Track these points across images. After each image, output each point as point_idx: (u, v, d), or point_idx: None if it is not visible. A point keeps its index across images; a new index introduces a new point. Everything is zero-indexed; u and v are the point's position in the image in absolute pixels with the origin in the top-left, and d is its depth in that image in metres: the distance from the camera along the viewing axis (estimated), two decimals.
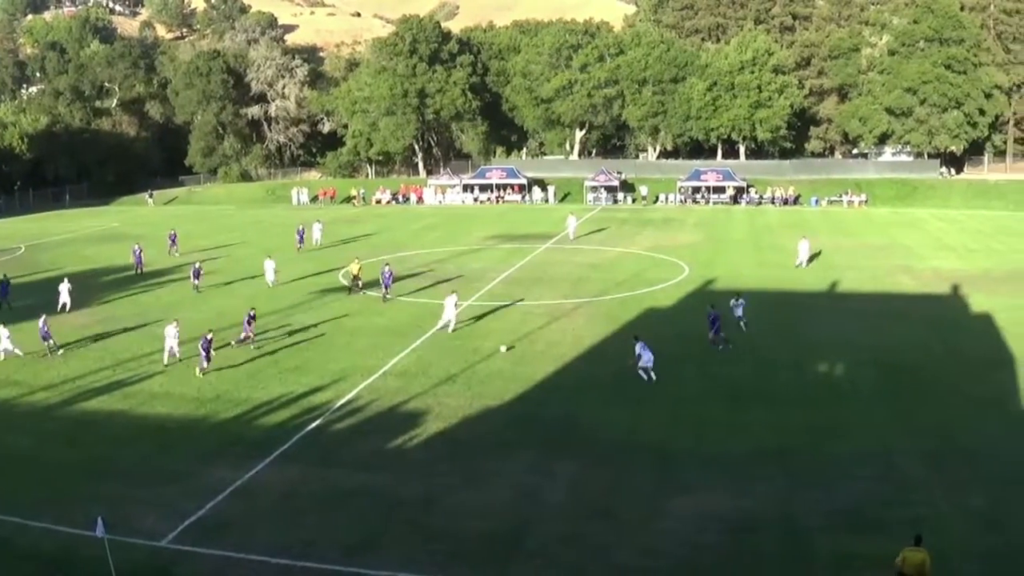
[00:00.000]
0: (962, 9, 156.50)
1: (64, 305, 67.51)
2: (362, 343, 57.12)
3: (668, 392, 47.08)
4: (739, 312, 58.31)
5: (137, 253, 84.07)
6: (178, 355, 52.35)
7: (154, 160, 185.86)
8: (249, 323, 56.48)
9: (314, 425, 42.68)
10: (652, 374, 48.67)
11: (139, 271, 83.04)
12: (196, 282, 75.22)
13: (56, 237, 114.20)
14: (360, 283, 72.94)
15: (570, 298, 70.33)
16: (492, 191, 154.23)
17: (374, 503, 34.37)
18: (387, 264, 73.97)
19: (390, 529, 32.33)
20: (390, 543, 31.30)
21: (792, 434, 40.93)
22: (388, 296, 70.37)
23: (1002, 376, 49.57)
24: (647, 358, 48.80)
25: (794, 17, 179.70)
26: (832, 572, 29.58)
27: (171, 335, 52.06)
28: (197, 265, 76.73)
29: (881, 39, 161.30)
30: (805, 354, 53.84)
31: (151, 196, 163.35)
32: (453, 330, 59.21)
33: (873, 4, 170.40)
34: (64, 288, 68.21)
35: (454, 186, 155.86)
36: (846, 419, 43.10)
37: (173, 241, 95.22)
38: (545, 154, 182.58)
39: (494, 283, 76.45)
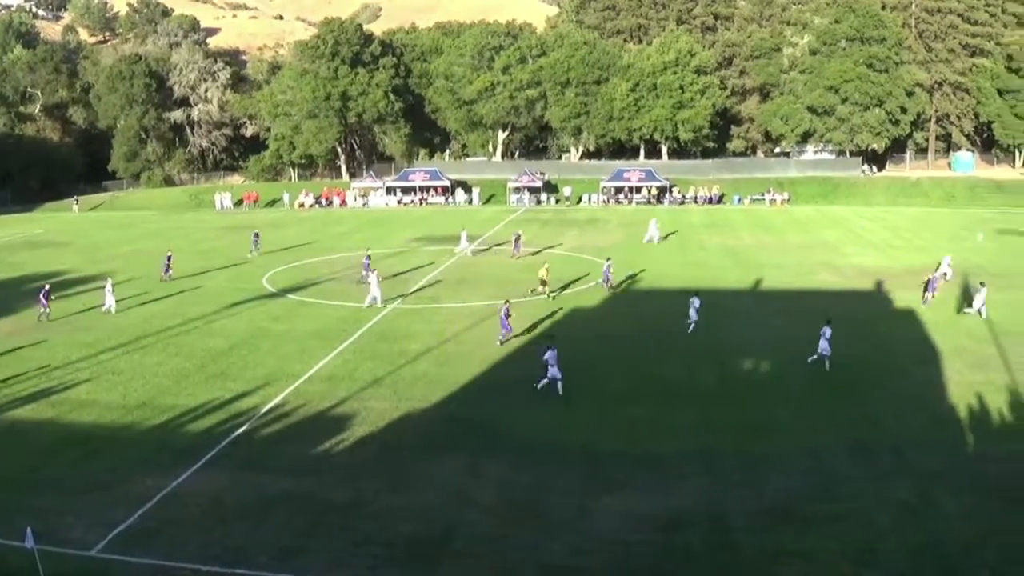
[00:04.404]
0: (883, 8, 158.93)
1: (109, 308, 68.29)
2: (287, 348, 56.99)
3: (595, 392, 47.42)
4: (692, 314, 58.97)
5: (167, 260, 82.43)
6: None
7: (78, 166, 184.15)
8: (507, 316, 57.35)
9: (241, 431, 42.57)
10: (827, 364, 50.09)
11: (167, 277, 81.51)
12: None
13: None
14: (546, 287, 71.85)
15: (495, 299, 70.45)
16: (415, 193, 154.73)
17: (302, 508, 34.38)
18: (608, 259, 75.65)
19: (319, 533, 32.36)
20: (319, 547, 31.34)
21: (719, 432, 41.43)
22: (612, 288, 73.37)
23: (926, 370, 50.66)
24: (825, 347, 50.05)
25: (716, 17, 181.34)
26: (760, 567, 30.01)
27: None
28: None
29: (803, 39, 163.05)
30: (731, 352, 54.46)
31: (77, 202, 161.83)
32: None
33: (795, 4, 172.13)
34: (108, 289, 69.05)
35: (377, 189, 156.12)
36: (773, 416, 43.75)
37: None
38: (468, 156, 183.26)
39: (419, 285, 76.52)
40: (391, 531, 32.51)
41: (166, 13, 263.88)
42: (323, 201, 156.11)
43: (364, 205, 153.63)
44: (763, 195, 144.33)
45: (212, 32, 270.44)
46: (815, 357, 50.41)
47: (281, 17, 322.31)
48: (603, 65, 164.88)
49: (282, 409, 45.72)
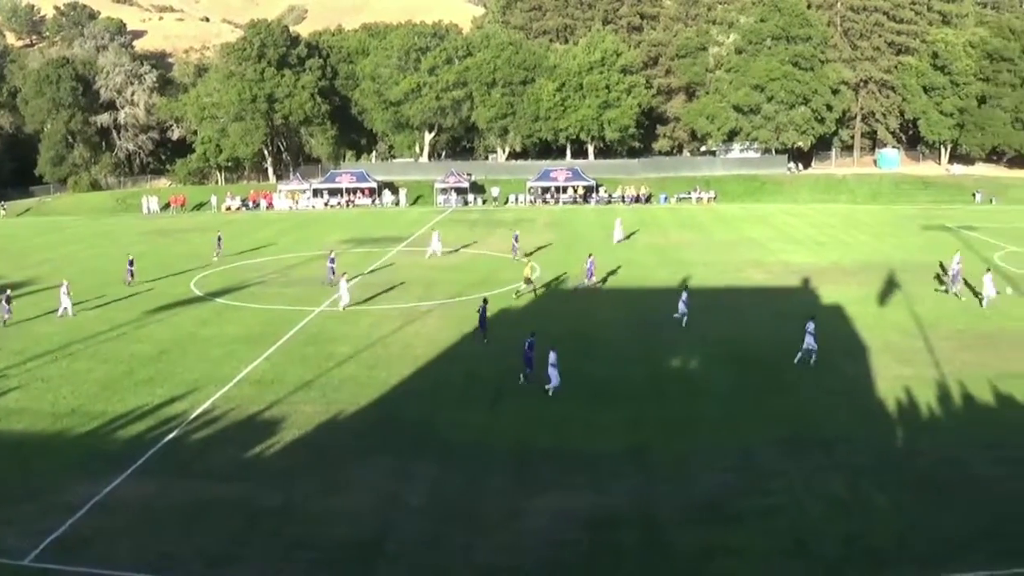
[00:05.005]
0: (809, 7, 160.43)
1: (65, 310, 68.18)
2: (216, 352, 56.85)
3: (525, 392, 47.70)
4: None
5: (129, 265, 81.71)
6: None
7: (4, 171, 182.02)
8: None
9: (171, 436, 42.43)
10: (813, 359, 50.97)
11: (131, 281, 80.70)
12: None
13: None
14: (532, 283, 72.15)
15: (424, 300, 70.80)
16: (342, 195, 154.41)
17: (234, 513, 34.44)
18: (590, 255, 75.50)
19: (251, 539, 32.44)
20: (252, 553, 31.46)
21: (649, 430, 41.89)
22: (598, 285, 74.25)
23: (855, 365, 51.80)
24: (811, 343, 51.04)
25: (642, 17, 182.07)
26: (692, 564, 30.46)
27: None
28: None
29: (728, 38, 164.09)
30: (660, 350, 55.05)
31: (3, 208, 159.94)
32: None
33: (720, 3, 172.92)
34: (63, 292, 68.82)
35: (304, 191, 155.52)
36: (702, 414, 44.27)
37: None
38: (395, 157, 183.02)
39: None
40: (324, 535, 32.65)
41: (93, 16, 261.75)
42: (250, 204, 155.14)
43: (291, 207, 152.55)
44: (689, 194, 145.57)
45: (139, 35, 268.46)
46: (800, 355, 51.05)
47: (207, 19, 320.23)
48: (529, 65, 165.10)
49: (212, 414, 45.63)
